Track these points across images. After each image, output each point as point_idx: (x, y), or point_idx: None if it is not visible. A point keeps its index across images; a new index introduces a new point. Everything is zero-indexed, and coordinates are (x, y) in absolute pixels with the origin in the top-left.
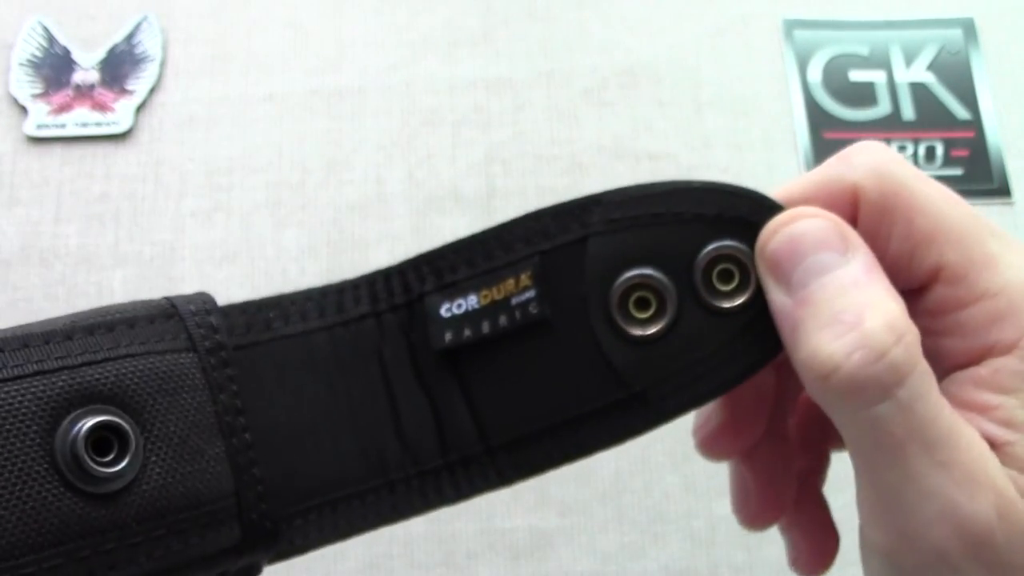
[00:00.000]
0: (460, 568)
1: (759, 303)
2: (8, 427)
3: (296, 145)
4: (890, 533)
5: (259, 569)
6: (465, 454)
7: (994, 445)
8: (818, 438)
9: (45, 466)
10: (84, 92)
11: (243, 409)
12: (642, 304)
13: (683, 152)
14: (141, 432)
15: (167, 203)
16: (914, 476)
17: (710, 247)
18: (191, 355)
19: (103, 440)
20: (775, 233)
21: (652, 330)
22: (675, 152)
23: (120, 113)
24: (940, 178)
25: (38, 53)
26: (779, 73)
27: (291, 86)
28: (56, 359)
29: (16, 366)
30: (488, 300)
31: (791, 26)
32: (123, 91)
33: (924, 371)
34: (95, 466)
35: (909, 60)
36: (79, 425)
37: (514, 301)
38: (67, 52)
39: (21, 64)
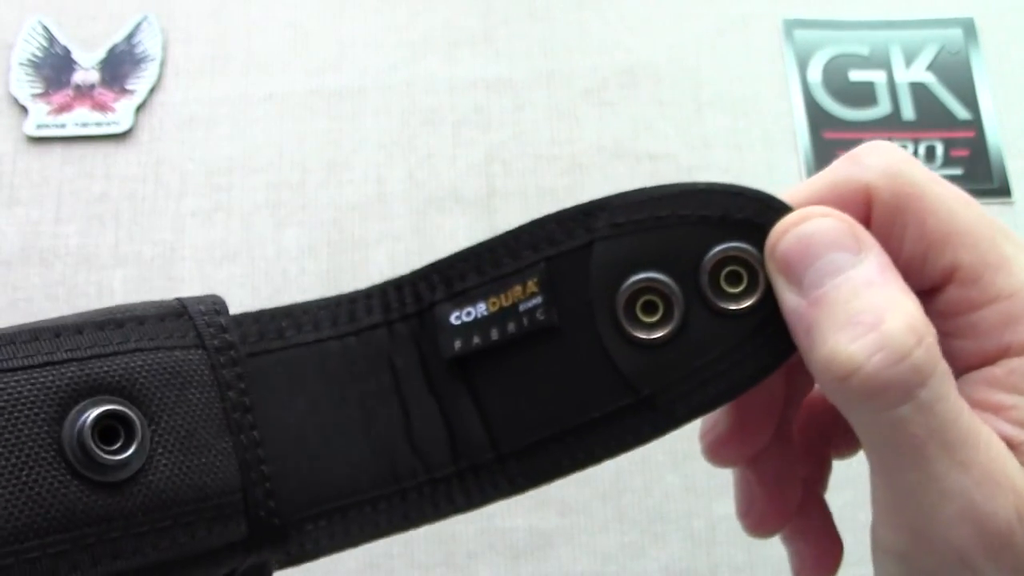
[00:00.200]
0: (460, 568)
1: (769, 305)
2: (17, 414)
3: (296, 145)
4: (907, 534)
5: (269, 571)
6: (476, 462)
7: (1010, 445)
8: (820, 443)
9: (52, 453)
10: (84, 92)
11: (251, 407)
12: (649, 308)
13: (683, 152)
14: (148, 424)
15: (167, 203)
16: (934, 477)
17: (716, 249)
18: (200, 352)
19: (110, 429)
20: (785, 233)
21: (659, 334)
22: (675, 152)
23: (120, 113)
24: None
25: (38, 53)
26: (779, 73)
27: (291, 86)
28: (66, 351)
29: (26, 356)
30: (496, 307)
31: (791, 26)
32: (123, 91)
33: (944, 372)
34: (101, 453)
35: (909, 60)
36: (87, 414)
37: (522, 308)
38: (67, 52)
39: (21, 64)
